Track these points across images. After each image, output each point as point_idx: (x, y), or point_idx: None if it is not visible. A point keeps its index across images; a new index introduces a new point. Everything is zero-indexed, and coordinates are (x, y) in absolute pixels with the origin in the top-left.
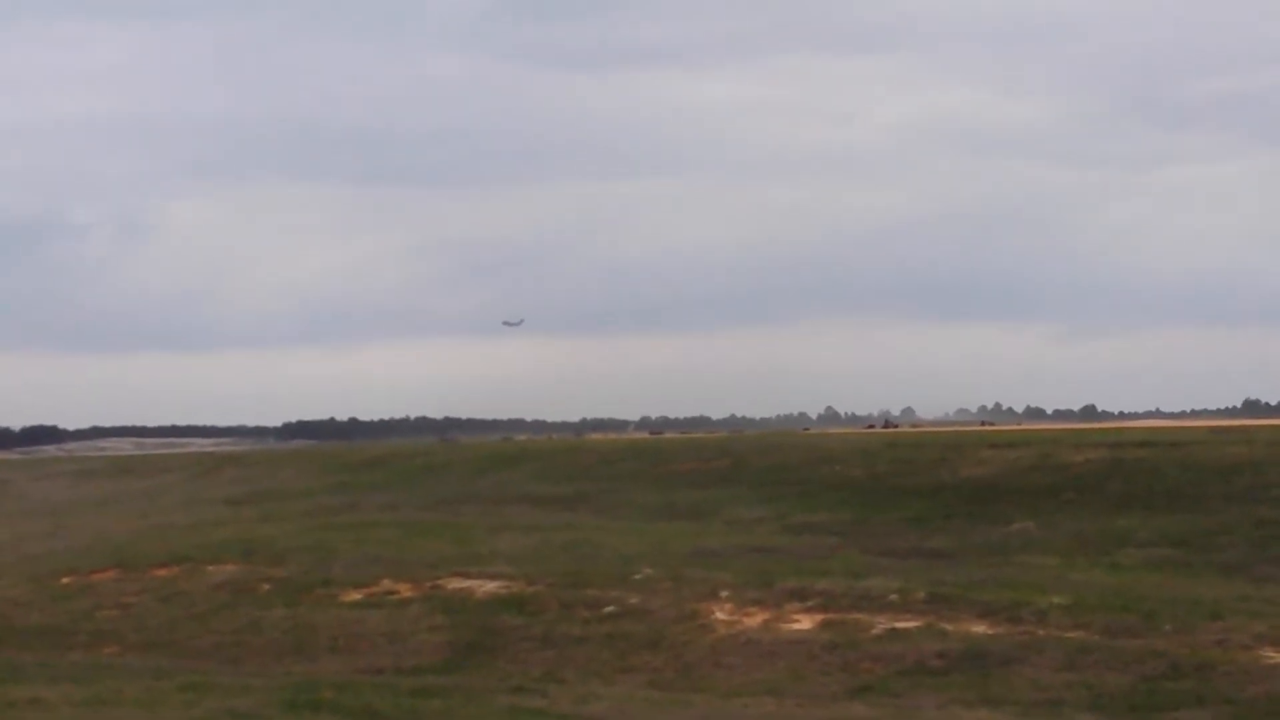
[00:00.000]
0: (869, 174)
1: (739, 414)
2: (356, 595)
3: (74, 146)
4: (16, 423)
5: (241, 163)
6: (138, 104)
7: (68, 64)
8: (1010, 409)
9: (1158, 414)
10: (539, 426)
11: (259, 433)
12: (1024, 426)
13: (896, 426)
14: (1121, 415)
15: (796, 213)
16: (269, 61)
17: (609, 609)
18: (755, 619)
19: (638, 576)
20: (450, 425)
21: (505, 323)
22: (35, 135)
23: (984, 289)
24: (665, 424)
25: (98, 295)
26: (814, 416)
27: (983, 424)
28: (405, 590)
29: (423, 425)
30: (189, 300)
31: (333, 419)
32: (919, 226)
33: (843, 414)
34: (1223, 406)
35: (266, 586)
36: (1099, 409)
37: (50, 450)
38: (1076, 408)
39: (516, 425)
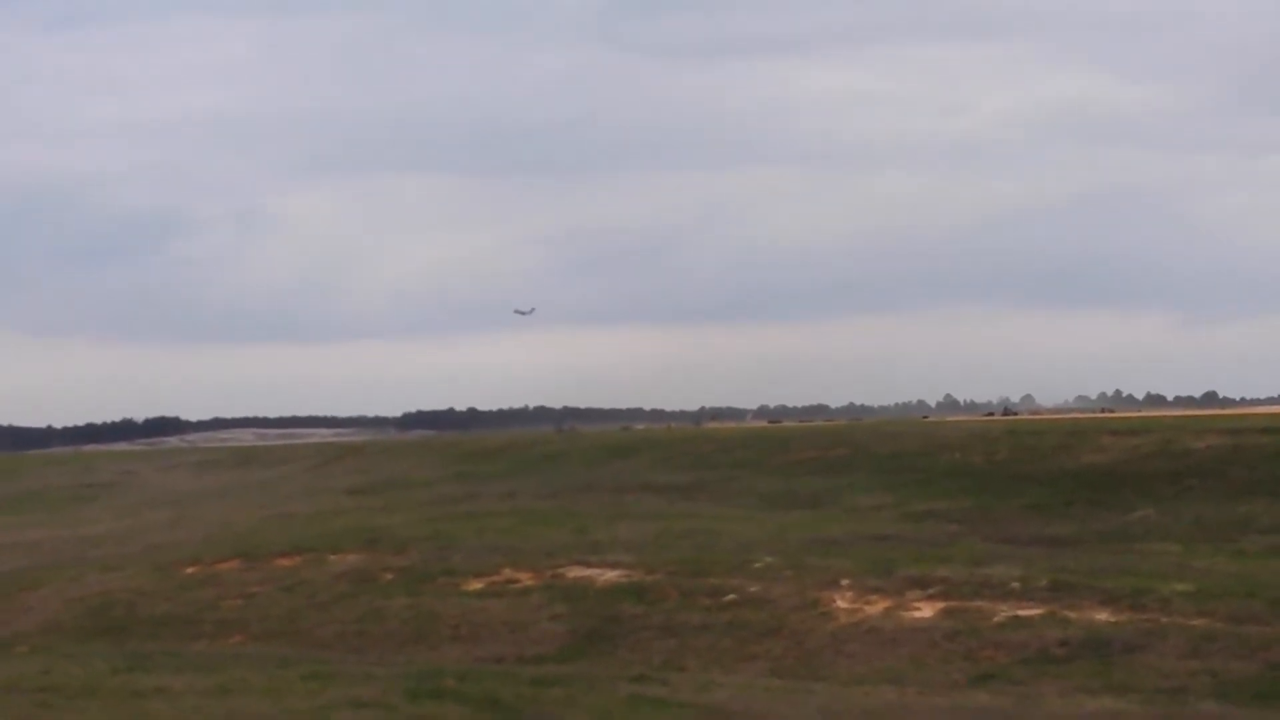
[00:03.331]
0: (985, 161)
1: (858, 402)
2: (478, 584)
3: (197, 141)
4: (140, 414)
5: (359, 155)
6: (259, 98)
7: (190, 60)
8: (1130, 396)
9: None
10: (657, 415)
11: (378, 423)
12: (1144, 413)
13: (1016, 414)
14: (1243, 401)
15: (913, 201)
16: (387, 56)
17: (729, 597)
18: (876, 607)
19: (758, 565)
20: (568, 414)
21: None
22: (160, 131)
23: (1103, 275)
24: (784, 412)
25: (219, 288)
26: (933, 404)
27: (1103, 411)
28: (526, 579)
29: (541, 415)
30: (308, 292)
31: (451, 409)
32: (1036, 213)
33: (962, 401)
34: None
35: (389, 576)
36: (1220, 395)
37: (173, 441)
38: (1198, 394)
39: (635, 414)
